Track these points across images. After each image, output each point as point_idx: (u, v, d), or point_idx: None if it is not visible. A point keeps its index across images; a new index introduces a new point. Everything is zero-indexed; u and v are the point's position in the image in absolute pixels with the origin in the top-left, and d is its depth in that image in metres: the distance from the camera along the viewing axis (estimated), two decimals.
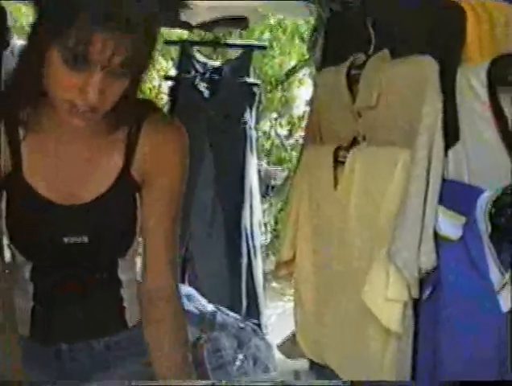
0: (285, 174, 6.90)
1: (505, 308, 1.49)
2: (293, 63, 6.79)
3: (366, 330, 1.91)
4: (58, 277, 1.52)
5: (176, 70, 4.07)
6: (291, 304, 2.47)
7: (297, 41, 6.46)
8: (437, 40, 1.78)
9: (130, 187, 1.49)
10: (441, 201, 1.65)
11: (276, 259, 2.52)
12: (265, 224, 5.96)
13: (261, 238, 4.31)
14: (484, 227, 1.51)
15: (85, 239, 1.46)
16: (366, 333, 1.91)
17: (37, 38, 1.31)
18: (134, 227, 1.50)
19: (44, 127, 1.44)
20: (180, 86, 3.92)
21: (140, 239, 1.55)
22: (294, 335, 2.40)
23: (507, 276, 1.49)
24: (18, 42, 2.63)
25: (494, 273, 1.51)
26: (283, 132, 7.35)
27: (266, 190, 6.44)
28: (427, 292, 1.71)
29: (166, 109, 3.97)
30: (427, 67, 1.72)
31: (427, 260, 1.66)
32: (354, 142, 2.04)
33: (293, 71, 6.81)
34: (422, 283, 1.72)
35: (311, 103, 2.56)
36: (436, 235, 1.66)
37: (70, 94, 1.29)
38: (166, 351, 1.49)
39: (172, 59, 5.48)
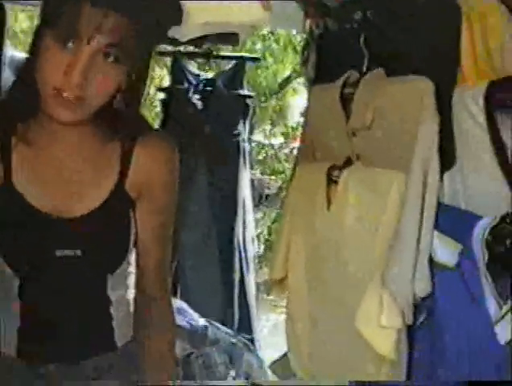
0: (279, 183, 6.87)
1: (502, 340, 1.45)
2: (287, 72, 6.76)
3: (360, 354, 1.87)
4: (46, 293, 1.49)
5: (170, 80, 4.04)
6: (284, 316, 2.43)
7: (290, 50, 6.43)
8: (432, 60, 1.75)
9: (124, 202, 1.48)
10: (437, 226, 1.61)
11: (269, 277, 2.47)
12: (258, 235, 5.93)
13: (254, 249, 4.27)
14: (481, 255, 1.47)
15: (78, 252, 1.44)
16: (360, 357, 1.87)
17: (39, 45, 1.30)
18: (127, 241, 1.49)
19: (38, 139, 1.43)
20: (174, 97, 3.88)
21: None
22: (285, 355, 2.36)
23: (505, 308, 1.44)
24: (12, 52, 2.58)
25: (492, 304, 1.46)
26: (277, 142, 7.32)
27: (260, 199, 6.41)
28: (421, 318, 1.68)
29: (159, 120, 3.94)
30: (423, 87, 1.68)
31: (422, 286, 1.62)
32: (348, 161, 2.00)
33: (287, 81, 6.78)
34: (416, 309, 1.68)
35: (305, 116, 2.53)
36: (432, 261, 1.62)
37: (56, 78, 1.27)
38: (153, 350, 1.56)
39: (166, 66, 5.44)
